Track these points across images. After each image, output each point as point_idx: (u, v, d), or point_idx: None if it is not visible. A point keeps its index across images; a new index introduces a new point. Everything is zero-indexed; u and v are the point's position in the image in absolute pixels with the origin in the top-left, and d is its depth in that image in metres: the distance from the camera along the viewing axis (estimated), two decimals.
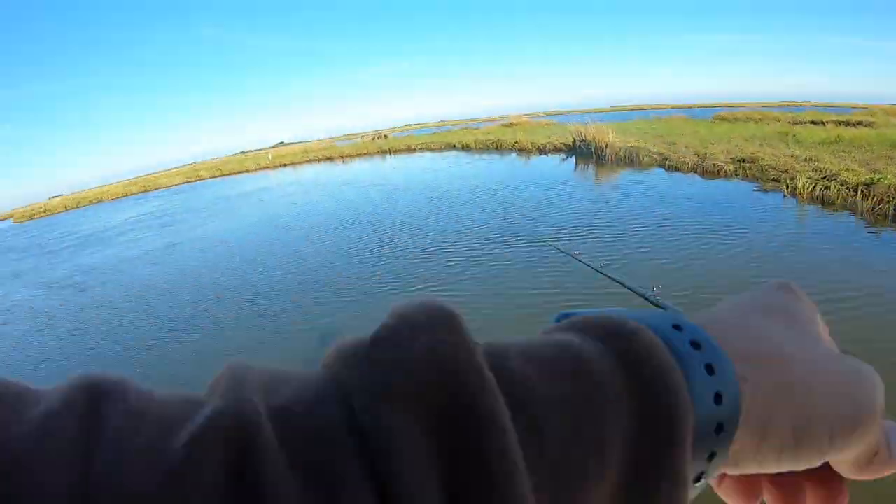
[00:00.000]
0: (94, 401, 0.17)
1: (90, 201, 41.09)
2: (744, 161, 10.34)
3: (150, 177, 55.68)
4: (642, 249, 6.29)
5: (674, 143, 13.83)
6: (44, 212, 41.31)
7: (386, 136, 37.62)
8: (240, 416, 0.16)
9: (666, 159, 12.10)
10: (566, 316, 0.25)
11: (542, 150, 18.71)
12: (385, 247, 8.25)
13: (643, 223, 7.39)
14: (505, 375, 0.19)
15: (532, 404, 0.19)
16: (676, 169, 11.39)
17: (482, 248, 7.17)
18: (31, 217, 39.92)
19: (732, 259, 5.70)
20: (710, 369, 0.22)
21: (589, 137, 15.46)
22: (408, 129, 67.34)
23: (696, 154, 11.66)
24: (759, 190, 8.78)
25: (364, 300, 6.06)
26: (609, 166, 13.48)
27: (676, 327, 0.23)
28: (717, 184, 9.77)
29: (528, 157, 17.90)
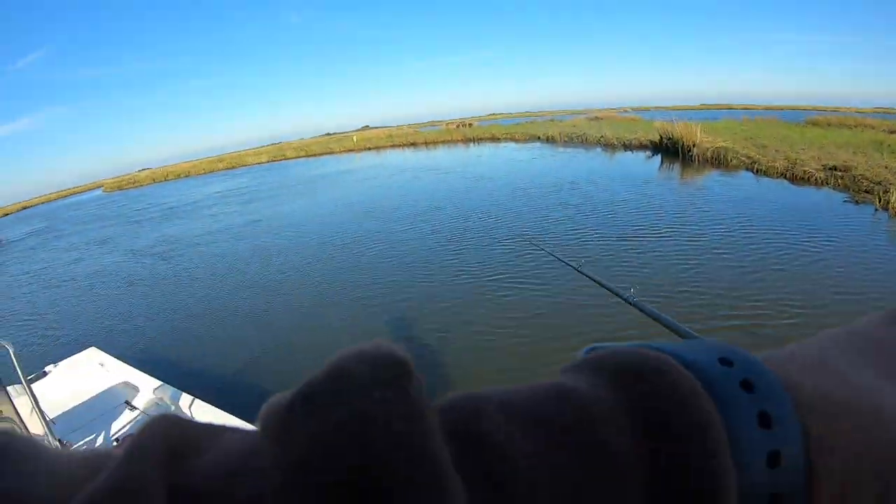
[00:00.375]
0: None
1: (177, 175, 43.98)
2: (835, 169, 10.43)
3: (236, 154, 59.19)
4: (722, 253, 6.43)
5: (764, 147, 13.91)
6: (132, 183, 45.14)
7: (470, 125, 38.49)
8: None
9: (755, 163, 12.33)
10: (595, 349, 0.21)
11: (627, 146, 19.05)
12: (463, 235, 8.69)
13: (727, 227, 7.54)
14: (474, 442, 0.15)
15: (510, 481, 0.14)
16: (765, 173, 11.60)
17: (563, 241, 7.52)
18: (119, 188, 44.05)
19: (811, 269, 5.67)
20: (764, 420, 0.17)
21: (676, 136, 15.64)
22: (492, 119, 68.32)
23: (787, 159, 11.82)
24: (849, 201, 8.68)
25: (440, 283, 6.49)
26: (695, 166, 13.76)
27: (725, 361, 0.18)
28: (806, 191, 9.84)
29: (613, 153, 18.29)
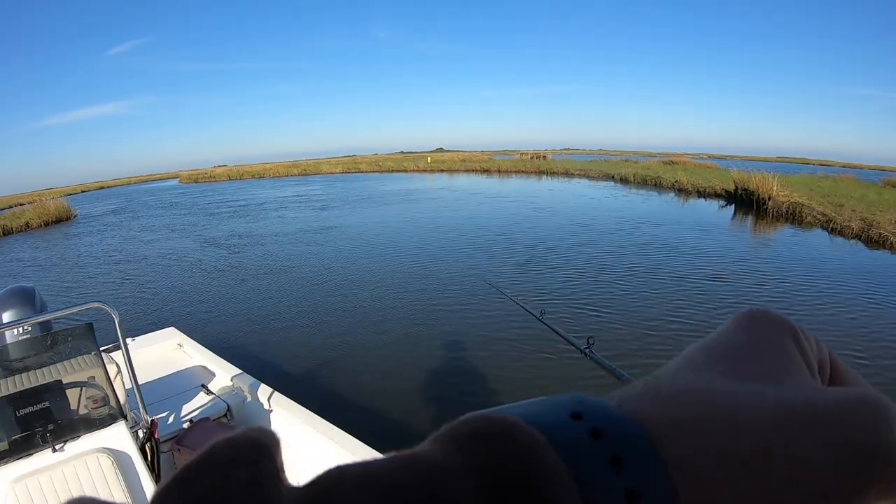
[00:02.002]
0: None
1: (252, 175, 46.16)
2: None
3: (311, 162, 61.95)
4: (776, 303, 6.61)
5: (840, 206, 14.16)
6: (208, 178, 47.62)
7: (545, 157, 39.25)
8: None
9: (830, 221, 12.73)
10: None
11: (701, 193, 19.53)
12: (525, 261, 9.18)
13: (784, 280, 7.77)
14: None
15: None
16: (839, 233, 11.98)
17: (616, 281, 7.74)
18: (195, 181, 46.50)
19: (868, 334, 5.62)
20: (616, 462, 0.17)
21: (752, 187, 15.98)
22: (567, 153, 69.20)
23: (862, 220, 12.15)
24: None
25: (485, 309, 6.65)
26: (769, 220, 14.17)
27: (576, 416, 0.19)
28: (880, 255, 10.08)
29: (686, 199, 18.78)
